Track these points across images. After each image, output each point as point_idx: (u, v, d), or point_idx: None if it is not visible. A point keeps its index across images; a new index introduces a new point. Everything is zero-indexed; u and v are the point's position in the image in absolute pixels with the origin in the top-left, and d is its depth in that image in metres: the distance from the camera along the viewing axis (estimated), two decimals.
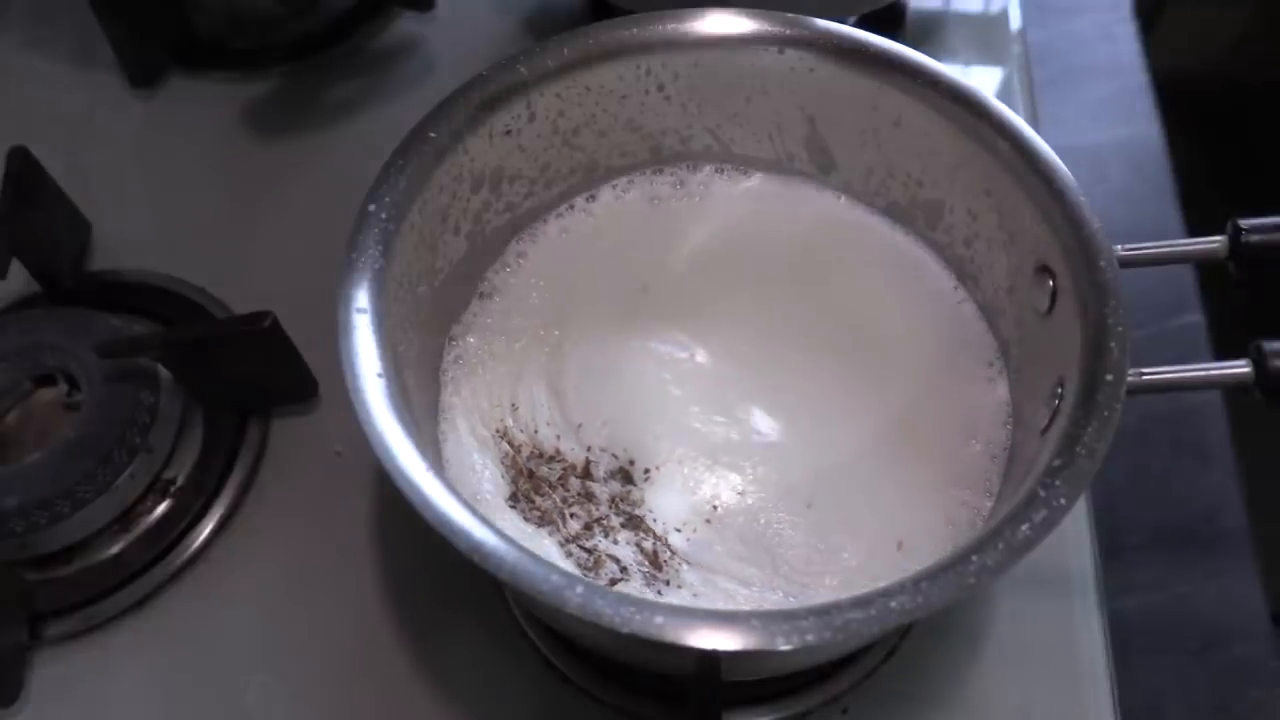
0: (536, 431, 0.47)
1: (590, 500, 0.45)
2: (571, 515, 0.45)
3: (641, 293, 0.51)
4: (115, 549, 0.51)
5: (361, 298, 0.42)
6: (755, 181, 0.53)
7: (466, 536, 0.36)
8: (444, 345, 0.49)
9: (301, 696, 0.49)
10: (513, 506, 0.45)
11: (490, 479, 0.45)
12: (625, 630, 0.34)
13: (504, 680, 0.48)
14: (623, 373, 0.48)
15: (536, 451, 0.47)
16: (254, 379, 0.54)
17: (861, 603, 0.35)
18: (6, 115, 0.68)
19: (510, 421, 0.47)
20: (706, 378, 0.48)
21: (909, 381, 0.48)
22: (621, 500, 0.45)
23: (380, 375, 0.40)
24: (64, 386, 0.53)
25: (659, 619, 0.35)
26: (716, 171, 0.54)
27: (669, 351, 0.49)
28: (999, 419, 0.46)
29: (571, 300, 0.51)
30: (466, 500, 0.38)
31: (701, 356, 0.49)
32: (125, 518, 0.52)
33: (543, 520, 0.45)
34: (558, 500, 0.45)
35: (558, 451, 0.47)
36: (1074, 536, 0.51)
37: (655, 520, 0.45)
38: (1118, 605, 0.50)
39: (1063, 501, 0.37)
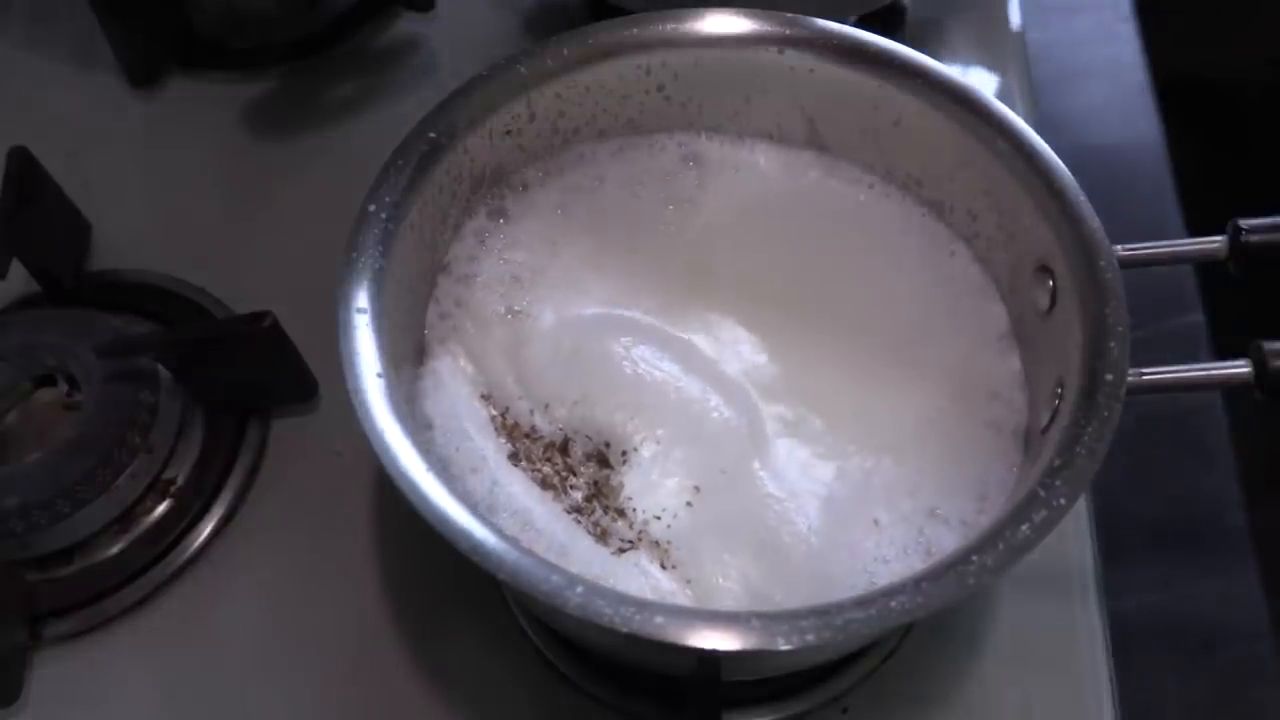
0: (509, 409, 0.46)
1: (575, 475, 0.45)
2: (571, 487, 0.44)
3: (630, 263, 0.50)
4: (115, 549, 0.51)
5: (361, 298, 0.41)
6: (761, 161, 0.52)
7: (466, 536, 0.36)
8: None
9: (301, 696, 0.49)
10: (515, 465, 0.44)
11: (486, 436, 0.44)
12: (625, 630, 0.34)
13: (504, 680, 0.48)
14: (592, 350, 0.47)
15: (515, 423, 0.46)
16: (254, 379, 0.54)
17: (862, 603, 0.35)
18: (6, 115, 0.68)
19: (488, 390, 0.47)
20: (692, 354, 0.47)
21: (918, 349, 0.47)
22: (602, 485, 0.45)
23: (380, 375, 0.40)
24: (64, 386, 0.53)
25: (659, 619, 0.35)
26: (722, 146, 0.52)
27: (652, 328, 0.48)
28: (1016, 383, 0.46)
29: (547, 272, 0.49)
30: (466, 501, 0.38)
31: (694, 332, 0.48)
32: (125, 518, 0.51)
33: (545, 485, 0.44)
34: (553, 469, 0.45)
35: (534, 428, 0.46)
36: (1074, 536, 0.51)
37: (635, 508, 0.44)
38: (1118, 605, 0.50)
39: (1063, 501, 0.37)
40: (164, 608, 0.51)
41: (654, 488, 0.44)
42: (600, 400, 0.45)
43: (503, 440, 0.45)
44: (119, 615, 0.50)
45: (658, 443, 0.45)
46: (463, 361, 0.47)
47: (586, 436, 0.45)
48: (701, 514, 0.43)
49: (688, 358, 0.47)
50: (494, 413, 0.46)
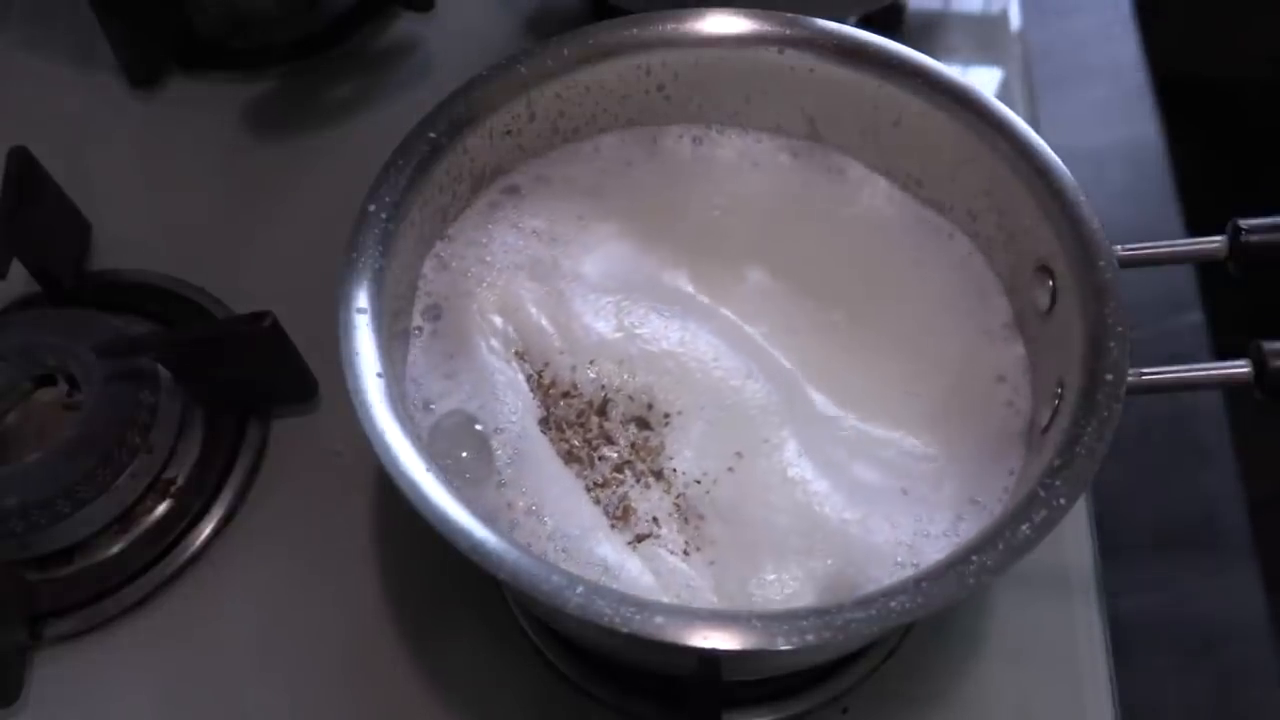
0: (548, 364, 0.46)
1: (610, 444, 0.45)
2: (600, 458, 0.44)
3: (651, 243, 0.50)
4: (115, 549, 0.51)
5: (361, 298, 0.42)
6: (764, 156, 0.53)
7: (466, 536, 0.36)
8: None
9: (301, 696, 0.49)
10: (544, 432, 0.44)
11: (518, 396, 0.44)
12: (625, 630, 0.34)
13: (504, 680, 0.48)
14: (635, 313, 0.47)
15: (553, 380, 0.46)
16: (254, 379, 0.54)
17: (862, 603, 0.35)
18: (6, 115, 0.68)
19: (524, 346, 0.47)
20: (730, 328, 0.48)
21: (924, 335, 0.48)
22: (640, 448, 0.44)
23: (380, 375, 0.40)
24: (64, 386, 0.53)
25: (659, 619, 0.35)
26: (729, 139, 0.53)
27: (690, 298, 0.48)
28: (1020, 367, 0.46)
29: (572, 241, 0.49)
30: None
31: (722, 306, 0.49)
32: (125, 518, 0.51)
33: (570, 457, 0.44)
34: (583, 439, 0.45)
35: (574, 386, 0.46)
36: (1074, 536, 0.51)
37: (675, 470, 0.44)
38: (1118, 605, 0.50)
39: (1063, 501, 0.37)
40: (164, 608, 0.51)
41: (696, 451, 0.44)
42: (645, 364, 0.46)
43: (536, 401, 0.45)
44: (119, 615, 0.50)
45: (701, 409, 0.45)
46: (493, 317, 0.47)
47: (629, 397, 0.45)
48: (742, 480, 0.43)
49: (726, 331, 0.47)
50: (530, 370, 0.46)
